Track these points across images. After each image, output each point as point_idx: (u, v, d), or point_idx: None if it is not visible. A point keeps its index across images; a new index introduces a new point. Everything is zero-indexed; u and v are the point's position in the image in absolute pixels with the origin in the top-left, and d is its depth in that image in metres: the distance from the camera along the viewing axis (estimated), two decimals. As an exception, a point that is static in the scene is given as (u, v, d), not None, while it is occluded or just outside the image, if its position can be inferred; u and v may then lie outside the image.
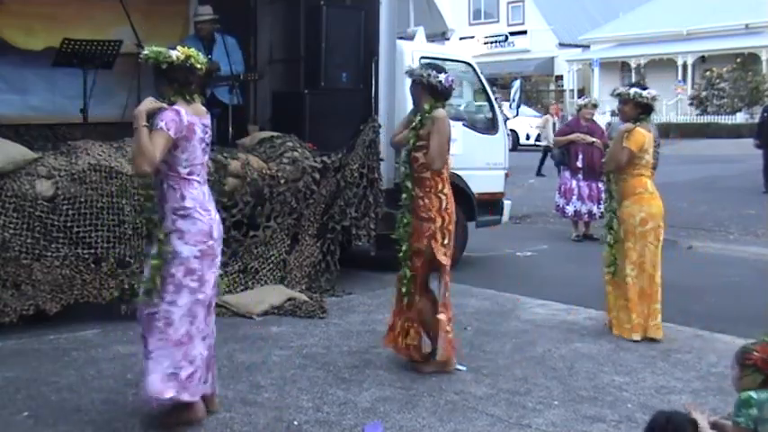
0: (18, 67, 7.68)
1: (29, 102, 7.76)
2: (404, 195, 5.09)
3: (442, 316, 4.98)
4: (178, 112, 4.06)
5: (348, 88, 7.78)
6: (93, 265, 6.03)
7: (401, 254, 5.11)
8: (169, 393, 4.05)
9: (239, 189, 6.72)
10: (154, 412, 4.19)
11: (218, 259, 4.29)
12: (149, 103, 4.07)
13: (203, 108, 4.31)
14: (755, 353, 3.33)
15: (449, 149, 5.06)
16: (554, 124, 19.16)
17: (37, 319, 5.84)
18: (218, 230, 4.25)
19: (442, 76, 4.97)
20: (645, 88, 6.08)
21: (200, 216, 4.14)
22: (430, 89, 4.99)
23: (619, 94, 6.08)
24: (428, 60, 8.52)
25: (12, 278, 5.78)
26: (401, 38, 8.30)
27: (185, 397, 4.10)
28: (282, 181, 6.94)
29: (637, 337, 5.85)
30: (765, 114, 15.43)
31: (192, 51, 4.20)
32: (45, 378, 4.88)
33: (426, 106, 4.99)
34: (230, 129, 7.75)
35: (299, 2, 8.38)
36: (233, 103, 7.92)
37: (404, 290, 5.12)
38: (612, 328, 6.03)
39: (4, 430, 4.13)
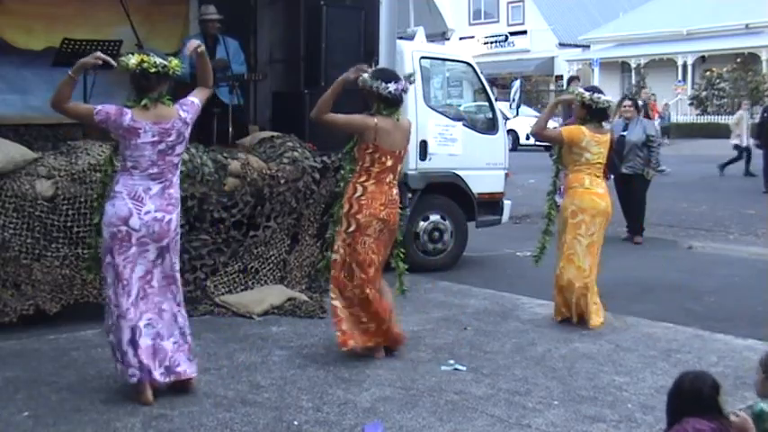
0: (18, 67, 7.66)
1: (29, 102, 7.73)
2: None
3: (334, 302, 5.28)
4: (121, 113, 4.28)
5: (348, 88, 7.76)
6: (93, 265, 6.03)
7: None
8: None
9: (239, 189, 6.72)
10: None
11: (142, 253, 4.37)
12: (92, 57, 4.31)
13: (170, 111, 4.36)
14: None
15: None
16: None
17: (37, 319, 5.84)
18: (141, 223, 4.30)
19: (392, 86, 5.17)
20: (600, 92, 6.28)
21: (122, 201, 4.28)
22: (381, 99, 5.22)
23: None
24: (429, 59, 8.65)
25: (12, 278, 5.78)
26: (401, 38, 8.29)
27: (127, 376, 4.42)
28: (282, 181, 6.94)
29: (559, 318, 6.27)
30: (765, 114, 15.42)
31: (146, 56, 4.25)
32: (45, 378, 4.88)
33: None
34: (230, 129, 7.74)
35: (298, 2, 8.38)
36: (233, 103, 7.92)
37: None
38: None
39: (4, 430, 4.13)
